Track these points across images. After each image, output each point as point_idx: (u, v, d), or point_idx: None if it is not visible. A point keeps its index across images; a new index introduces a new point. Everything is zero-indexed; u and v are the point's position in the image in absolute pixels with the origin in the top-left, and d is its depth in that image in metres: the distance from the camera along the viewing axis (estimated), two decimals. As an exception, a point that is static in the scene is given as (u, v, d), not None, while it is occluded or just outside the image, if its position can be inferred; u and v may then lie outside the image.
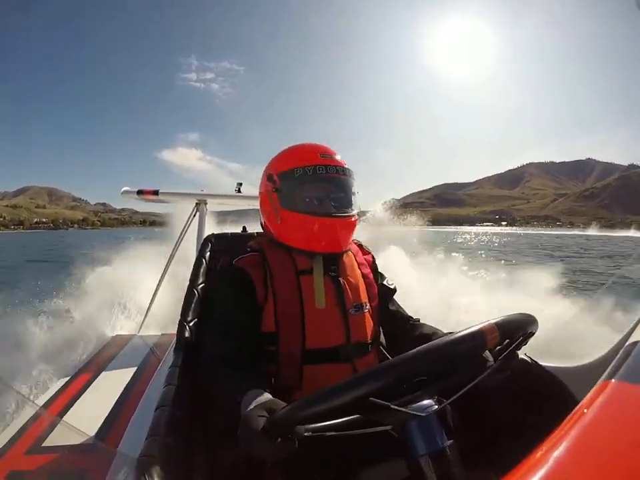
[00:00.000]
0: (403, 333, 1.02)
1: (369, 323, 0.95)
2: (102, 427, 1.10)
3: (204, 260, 1.26)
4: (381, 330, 1.02)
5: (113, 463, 0.72)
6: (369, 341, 0.94)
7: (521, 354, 0.94)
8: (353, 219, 0.93)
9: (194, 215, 2.61)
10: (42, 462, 0.81)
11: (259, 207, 1.04)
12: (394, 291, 1.08)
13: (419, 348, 0.55)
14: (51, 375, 1.93)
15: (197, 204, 2.60)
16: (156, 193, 2.56)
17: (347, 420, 0.55)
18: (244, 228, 1.53)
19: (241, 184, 2.71)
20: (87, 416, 1.18)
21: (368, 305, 0.97)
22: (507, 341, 0.65)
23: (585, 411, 0.41)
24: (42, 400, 1.33)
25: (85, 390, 1.41)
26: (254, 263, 0.92)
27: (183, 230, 2.66)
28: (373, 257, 1.09)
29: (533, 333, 0.67)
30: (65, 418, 1.15)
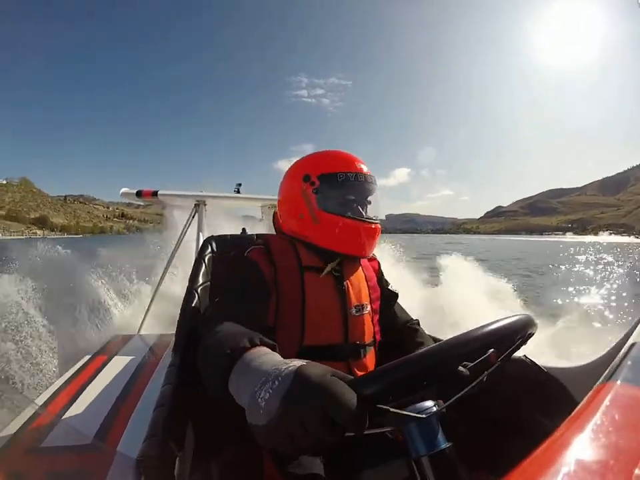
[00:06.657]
0: (403, 333, 1.08)
1: (368, 325, 0.97)
2: (101, 427, 1.09)
3: (203, 261, 1.26)
4: (382, 331, 1.04)
5: (113, 463, 0.72)
6: (367, 342, 0.95)
7: (520, 355, 0.95)
8: (379, 227, 0.97)
9: (193, 216, 2.61)
10: (41, 462, 0.81)
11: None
12: (397, 295, 1.14)
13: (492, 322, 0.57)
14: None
15: (195, 204, 2.60)
16: (155, 194, 2.56)
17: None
18: (243, 230, 1.53)
19: (240, 184, 2.72)
20: (86, 416, 1.17)
21: (369, 306, 0.98)
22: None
23: (585, 412, 0.41)
24: (40, 399, 1.32)
25: (84, 389, 1.40)
26: (263, 256, 0.93)
27: (183, 230, 2.66)
28: (379, 263, 1.14)
29: (533, 334, 0.67)
30: (63, 418, 1.15)
